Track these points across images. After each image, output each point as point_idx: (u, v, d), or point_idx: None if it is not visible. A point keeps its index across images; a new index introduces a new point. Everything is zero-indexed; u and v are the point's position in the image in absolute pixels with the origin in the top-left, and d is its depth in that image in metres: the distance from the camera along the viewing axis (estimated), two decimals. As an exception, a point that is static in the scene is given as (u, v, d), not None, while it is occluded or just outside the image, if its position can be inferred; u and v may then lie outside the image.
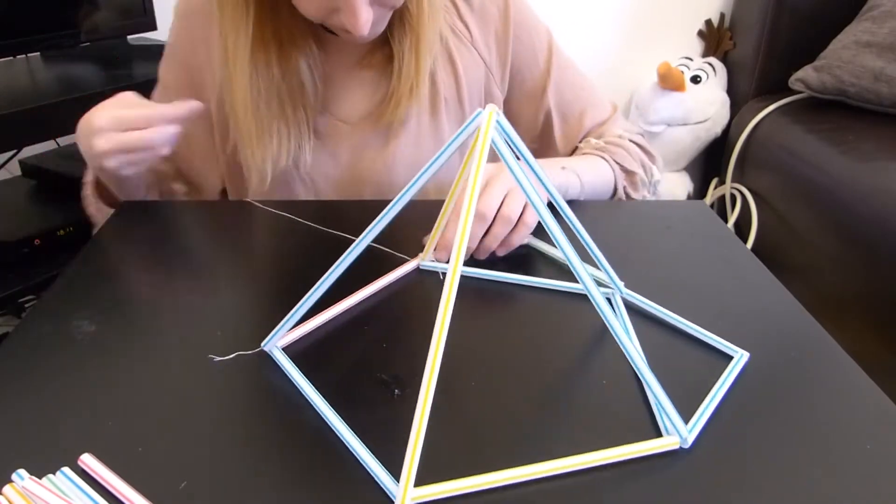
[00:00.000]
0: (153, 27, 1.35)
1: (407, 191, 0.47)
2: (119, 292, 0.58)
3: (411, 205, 0.48)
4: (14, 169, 1.32)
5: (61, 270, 0.61)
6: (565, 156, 0.86)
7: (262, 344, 0.50)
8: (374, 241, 0.49)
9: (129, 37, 1.42)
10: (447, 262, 0.61)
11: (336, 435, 0.43)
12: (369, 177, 0.79)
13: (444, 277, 0.61)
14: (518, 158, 0.45)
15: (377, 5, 0.64)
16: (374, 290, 0.59)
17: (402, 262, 0.63)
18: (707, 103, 1.83)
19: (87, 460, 0.40)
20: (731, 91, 1.89)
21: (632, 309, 0.57)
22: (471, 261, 0.63)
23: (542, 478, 0.41)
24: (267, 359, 0.50)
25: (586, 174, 0.77)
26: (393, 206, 0.47)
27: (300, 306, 0.49)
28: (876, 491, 0.40)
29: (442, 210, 0.59)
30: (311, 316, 0.54)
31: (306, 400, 0.46)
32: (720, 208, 1.86)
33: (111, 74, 1.26)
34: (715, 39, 1.91)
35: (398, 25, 0.72)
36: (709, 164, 1.99)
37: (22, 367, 0.49)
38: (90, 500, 0.38)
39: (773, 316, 0.58)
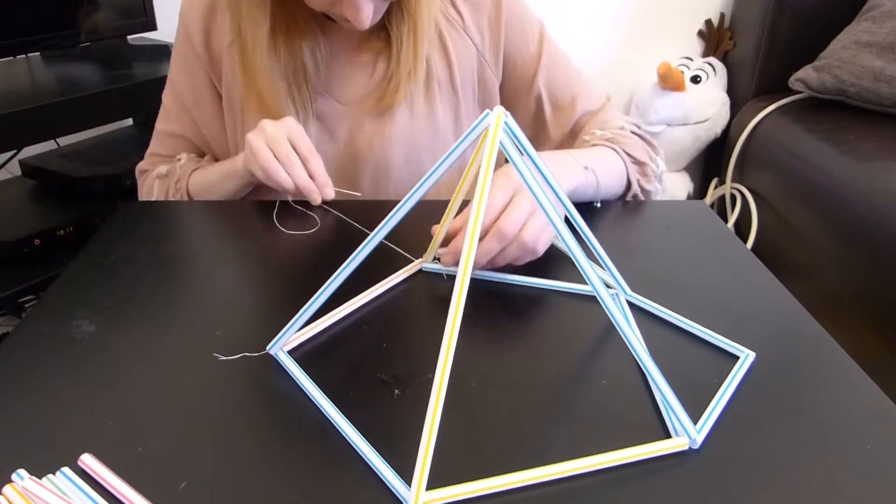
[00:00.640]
0: (153, 27, 1.35)
1: (408, 198, 0.47)
2: (119, 292, 0.58)
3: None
4: (14, 169, 1.32)
5: (61, 270, 0.61)
6: (558, 142, 0.87)
7: (268, 347, 0.50)
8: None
9: (129, 37, 1.42)
10: (454, 265, 0.61)
11: (339, 437, 0.43)
12: (367, 156, 0.81)
13: (447, 279, 0.62)
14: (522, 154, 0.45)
15: None
16: (378, 293, 0.59)
17: (406, 260, 0.63)
18: (707, 103, 1.83)
19: (87, 460, 0.40)
20: (731, 91, 1.89)
21: (634, 309, 0.57)
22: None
23: (552, 480, 0.41)
24: (269, 359, 0.50)
25: (601, 168, 0.75)
26: (395, 213, 0.47)
27: (305, 310, 0.49)
28: (876, 491, 0.40)
29: (447, 208, 0.59)
30: (315, 319, 0.53)
31: (309, 400, 0.46)
32: (720, 208, 1.86)
33: (111, 74, 1.26)
34: (715, 39, 1.91)
35: (396, 11, 0.76)
36: (709, 164, 1.99)
37: (22, 367, 0.49)
38: (90, 500, 0.38)
39: (773, 316, 0.57)
